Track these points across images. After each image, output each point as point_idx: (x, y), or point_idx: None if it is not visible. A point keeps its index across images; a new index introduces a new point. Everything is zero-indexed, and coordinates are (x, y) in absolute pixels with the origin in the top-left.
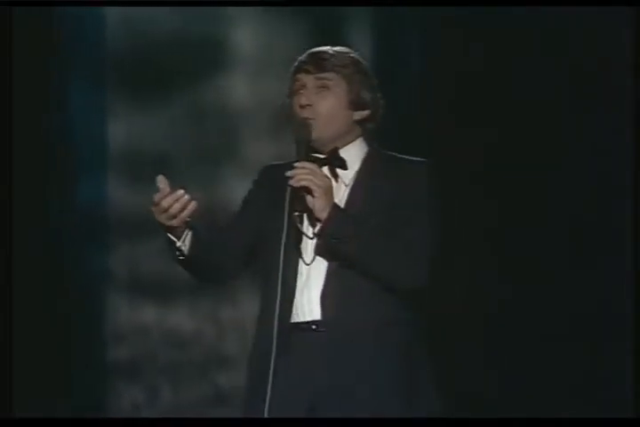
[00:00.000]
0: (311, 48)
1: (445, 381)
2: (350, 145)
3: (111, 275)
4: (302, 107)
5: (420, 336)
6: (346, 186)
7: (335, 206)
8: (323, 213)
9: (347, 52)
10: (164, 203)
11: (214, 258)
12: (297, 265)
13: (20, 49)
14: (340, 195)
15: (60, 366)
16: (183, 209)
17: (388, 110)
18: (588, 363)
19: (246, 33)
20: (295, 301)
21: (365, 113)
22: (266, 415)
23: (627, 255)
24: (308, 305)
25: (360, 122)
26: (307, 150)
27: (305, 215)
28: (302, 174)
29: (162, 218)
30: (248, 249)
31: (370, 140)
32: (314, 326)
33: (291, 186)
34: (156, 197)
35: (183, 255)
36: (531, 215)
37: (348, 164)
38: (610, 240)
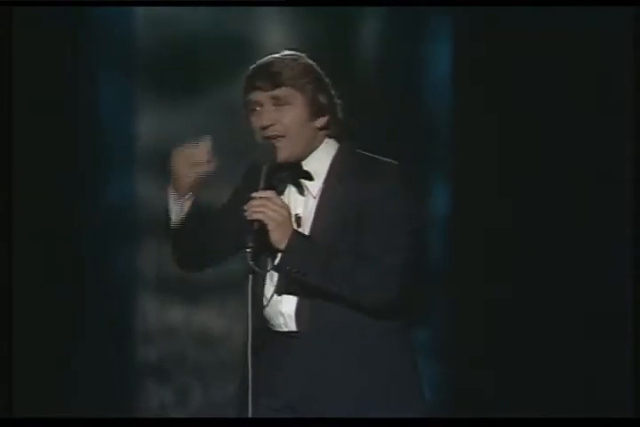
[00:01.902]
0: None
1: (445, 380)
2: (314, 153)
3: (139, 275)
4: (264, 127)
5: (400, 341)
6: (314, 198)
7: (293, 237)
8: (280, 246)
9: (295, 59)
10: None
11: (205, 235)
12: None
13: (48, 49)
14: (309, 208)
15: (89, 366)
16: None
17: (379, 109)
18: (588, 363)
19: (275, 32)
20: (265, 313)
21: (325, 118)
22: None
23: (627, 255)
24: (279, 318)
25: (322, 128)
26: (269, 173)
27: (260, 249)
28: (256, 206)
29: (181, 168)
30: (236, 235)
31: (338, 138)
32: (292, 334)
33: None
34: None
35: (177, 220)
36: (530, 215)
37: (315, 171)
38: (610, 240)
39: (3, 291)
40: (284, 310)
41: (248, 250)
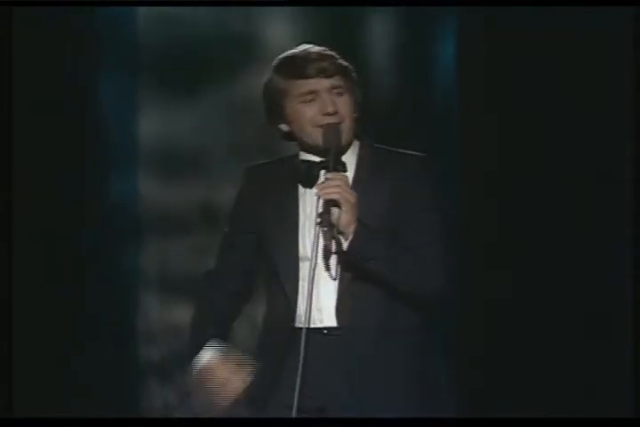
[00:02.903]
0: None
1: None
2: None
3: (143, 273)
4: (330, 114)
5: (434, 338)
6: None
7: (360, 221)
8: (349, 228)
9: (325, 50)
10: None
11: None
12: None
13: (48, 49)
14: None
15: (91, 366)
16: None
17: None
18: (588, 363)
19: (279, 31)
20: (303, 308)
21: (358, 108)
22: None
23: (627, 255)
24: (313, 313)
25: (357, 120)
26: (337, 156)
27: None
28: (332, 187)
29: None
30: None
31: (359, 132)
32: (325, 331)
33: (319, 197)
34: None
35: None
36: (530, 215)
37: (347, 164)
38: (610, 240)
39: (3, 291)
40: (323, 304)
41: (325, 229)
